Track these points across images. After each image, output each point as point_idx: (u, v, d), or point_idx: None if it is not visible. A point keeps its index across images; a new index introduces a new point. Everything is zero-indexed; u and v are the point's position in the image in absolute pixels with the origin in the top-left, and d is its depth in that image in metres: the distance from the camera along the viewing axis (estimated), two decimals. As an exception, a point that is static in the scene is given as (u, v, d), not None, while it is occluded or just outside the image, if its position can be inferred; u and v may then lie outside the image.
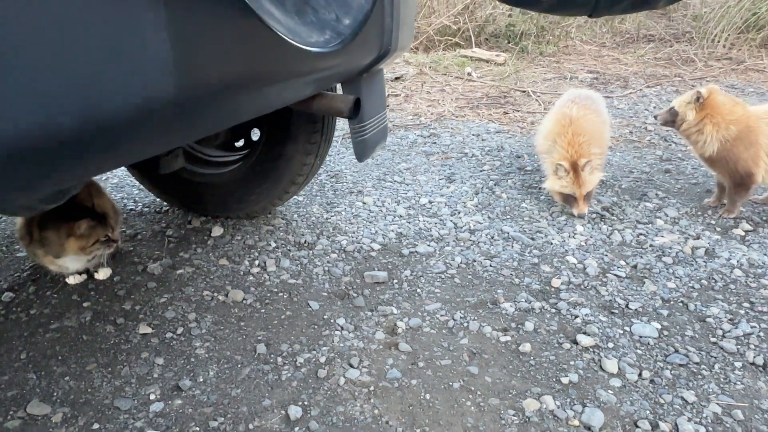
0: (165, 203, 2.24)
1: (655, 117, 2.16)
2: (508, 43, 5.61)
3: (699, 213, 2.12)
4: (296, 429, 1.14)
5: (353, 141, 1.54)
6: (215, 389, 1.25)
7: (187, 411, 1.19)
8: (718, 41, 5.18)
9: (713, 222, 2.05)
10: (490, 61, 5.13)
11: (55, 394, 1.24)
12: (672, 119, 2.08)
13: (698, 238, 1.92)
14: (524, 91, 4.12)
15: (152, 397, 1.23)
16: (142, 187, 2.42)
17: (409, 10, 1.49)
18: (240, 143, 2.14)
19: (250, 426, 1.15)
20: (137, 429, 1.14)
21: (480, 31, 5.70)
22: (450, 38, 5.59)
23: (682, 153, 2.79)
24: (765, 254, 1.80)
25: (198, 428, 1.15)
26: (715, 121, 1.98)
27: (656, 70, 4.78)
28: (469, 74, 4.66)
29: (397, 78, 4.59)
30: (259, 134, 1.90)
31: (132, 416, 1.18)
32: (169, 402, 1.22)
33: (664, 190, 2.34)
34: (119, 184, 2.50)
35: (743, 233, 1.96)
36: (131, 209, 2.22)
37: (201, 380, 1.28)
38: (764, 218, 2.07)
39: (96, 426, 1.15)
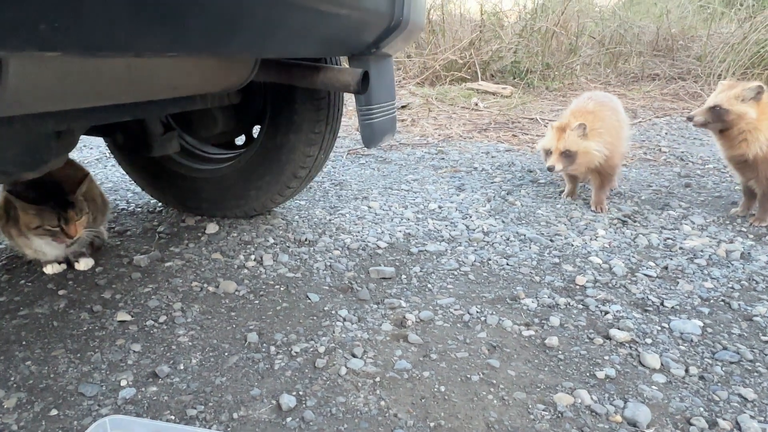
0: (159, 203, 2.12)
1: (690, 119, 1.93)
2: (514, 78, 5.63)
3: (727, 221, 1.98)
4: (288, 419, 0.97)
5: (360, 124, 1.43)
6: (197, 377, 1.09)
7: (162, 398, 1.02)
8: (725, 77, 5.19)
9: (744, 229, 1.91)
10: (497, 94, 5.13)
11: (12, 378, 1.07)
12: (717, 118, 1.88)
13: (731, 242, 1.78)
14: (532, 119, 4.07)
15: (123, 383, 1.06)
16: (136, 190, 2.31)
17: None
18: (241, 141, 2.05)
19: (235, 415, 0.98)
20: (101, 415, 0.97)
21: (486, 67, 5.74)
22: (456, 72, 5.63)
23: (701, 170, 2.68)
24: (806, 258, 1.65)
25: (173, 416, 0.97)
26: None
27: (663, 104, 4.75)
28: (476, 104, 4.64)
29: (403, 106, 4.56)
30: (259, 130, 1.80)
31: (97, 402, 1.01)
32: (143, 389, 1.05)
33: (686, 201, 2.21)
34: (114, 188, 2.39)
35: (779, 239, 1.81)
36: (123, 209, 2.09)
37: (181, 368, 1.12)
38: (798, 227, 1.92)
39: (54, 412, 0.98)
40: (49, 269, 1.52)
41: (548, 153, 2.08)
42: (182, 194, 1.94)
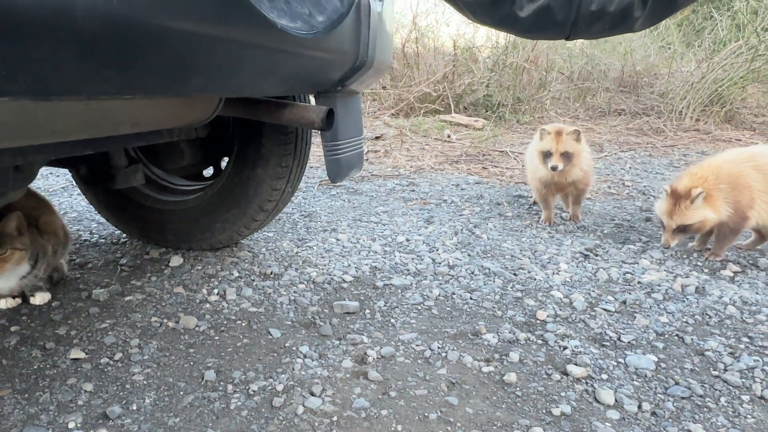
0: (124, 235, 2.09)
1: (666, 247, 2.02)
2: (486, 111, 5.78)
3: (684, 256, 2.05)
4: (241, 462, 0.95)
5: (326, 160, 1.46)
6: (149, 418, 1.06)
7: (112, 441, 1.00)
8: (685, 114, 5.42)
9: (700, 264, 1.98)
10: (469, 126, 5.25)
11: (-47, 421, 1.03)
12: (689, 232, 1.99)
13: (687, 276, 1.83)
14: (502, 151, 4.16)
15: (71, 425, 1.03)
16: (101, 220, 2.28)
17: (386, 32, 1.46)
18: (209, 172, 2.05)
19: (186, 458, 0.96)
20: (46, 461, 0.94)
21: (459, 100, 5.88)
22: (430, 104, 5.75)
23: (662, 204, 2.77)
24: (757, 293, 1.71)
25: (121, 460, 0.95)
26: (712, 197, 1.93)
27: (629, 138, 4.92)
28: (449, 136, 4.73)
29: (377, 137, 4.63)
30: (227, 162, 1.81)
31: (42, 446, 0.97)
32: (91, 431, 1.02)
33: (646, 235, 2.28)
34: (78, 218, 2.35)
35: (732, 274, 1.87)
36: (86, 240, 2.06)
37: (134, 408, 1.09)
38: (750, 261, 2.00)
39: (-5, 457, 0.95)
40: (2, 303, 1.47)
41: (548, 155, 2.24)
42: (147, 226, 1.92)
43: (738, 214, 1.93)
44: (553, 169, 2.23)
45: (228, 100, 1.38)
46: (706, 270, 1.91)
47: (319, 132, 1.46)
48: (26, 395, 1.12)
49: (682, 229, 1.95)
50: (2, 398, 1.10)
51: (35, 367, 1.22)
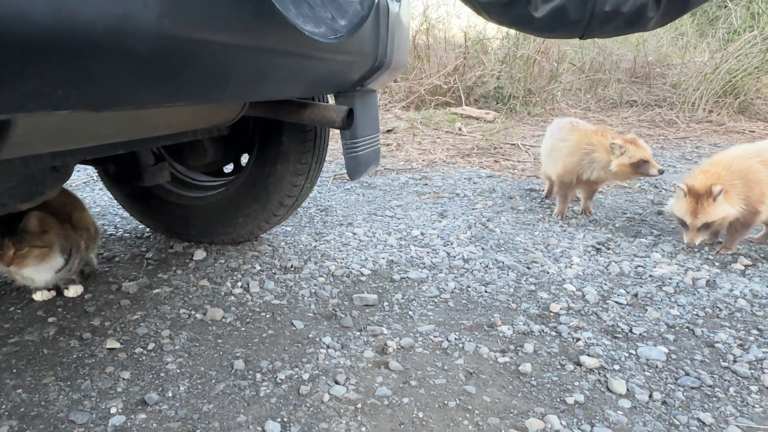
0: (147, 229, 2.16)
1: (691, 246, 2.05)
2: (497, 103, 5.79)
3: (696, 250, 2.08)
4: (273, 446, 1.02)
5: (346, 157, 1.50)
6: (185, 404, 1.13)
7: (151, 425, 1.06)
8: (698, 106, 5.39)
9: (711, 257, 2.01)
10: (480, 119, 5.26)
11: (3, 406, 1.10)
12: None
13: (698, 270, 1.87)
14: (514, 144, 4.19)
15: (113, 411, 1.10)
16: (124, 214, 2.35)
17: (403, 33, 1.50)
18: (229, 168, 2.10)
19: (222, 442, 1.02)
20: (92, 443, 1.01)
21: (470, 92, 5.89)
22: (441, 97, 5.77)
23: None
24: (767, 286, 1.75)
25: (162, 443, 1.02)
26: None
27: (640, 130, 4.91)
28: (460, 129, 4.76)
29: (389, 130, 4.66)
30: (247, 159, 1.86)
31: (88, 430, 1.04)
32: (132, 416, 1.09)
33: (658, 229, 2.31)
34: (101, 213, 2.42)
35: (743, 267, 1.91)
36: (111, 234, 2.13)
37: (170, 395, 1.16)
38: (761, 255, 2.03)
39: (45, 440, 1.02)
40: (38, 296, 1.55)
41: (643, 163, 2.19)
42: (171, 221, 1.98)
43: (749, 209, 1.96)
44: (661, 172, 2.20)
45: (253, 102, 1.43)
46: (717, 263, 1.95)
47: (339, 130, 1.50)
48: (68, 382, 1.19)
49: (706, 227, 1.98)
50: (47, 385, 1.17)
51: (74, 356, 1.29)
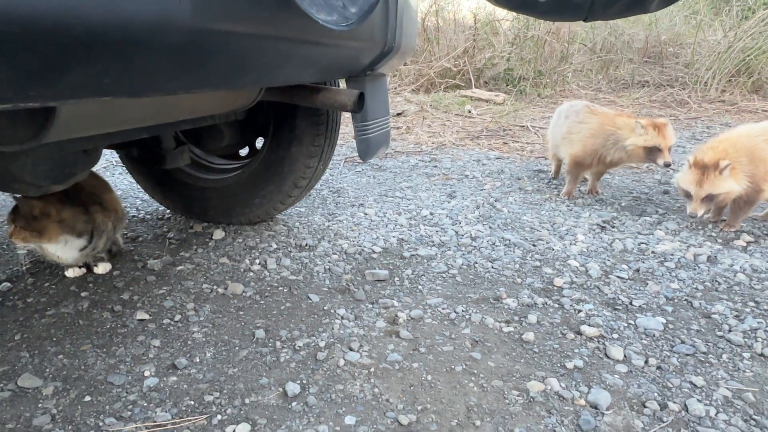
0: (168, 210, 2.25)
1: (694, 215, 2.05)
2: (507, 85, 5.79)
3: (699, 227, 2.13)
4: (294, 404, 1.11)
5: (357, 139, 1.57)
6: (211, 368, 1.22)
7: (182, 387, 1.16)
8: (711, 85, 5.35)
9: (714, 234, 2.06)
10: (490, 101, 5.28)
11: (47, 370, 1.21)
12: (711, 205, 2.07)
13: (700, 246, 1.92)
14: (523, 126, 4.22)
15: (147, 373, 1.20)
16: (145, 197, 2.44)
17: (412, 17, 1.55)
18: (244, 152, 2.18)
19: (246, 401, 1.12)
20: (130, 401, 1.11)
21: (479, 74, 5.90)
22: (450, 80, 5.78)
23: (680, 177, 2.83)
24: None
25: (193, 402, 1.11)
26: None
27: (651, 111, 4.91)
28: (469, 111, 4.79)
29: (398, 114, 4.71)
30: (262, 142, 1.94)
31: (125, 390, 1.14)
32: (164, 378, 1.18)
33: (663, 208, 2.36)
34: (123, 196, 2.52)
35: (745, 244, 1.96)
36: (133, 216, 2.23)
37: (197, 360, 1.25)
38: (765, 232, 2.07)
39: (88, 398, 1.12)
40: (70, 273, 1.65)
41: (656, 150, 2.22)
42: (190, 203, 2.08)
43: (753, 187, 2.00)
44: (667, 165, 2.23)
45: (269, 88, 1.50)
46: (719, 240, 2.00)
47: (350, 114, 1.57)
48: (104, 349, 1.29)
49: (709, 198, 2.01)
50: (85, 352, 1.28)
51: (108, 326, 1.39)
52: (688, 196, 2.05)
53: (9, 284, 1.60)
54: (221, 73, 0.88)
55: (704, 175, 1.98)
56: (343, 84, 1.66)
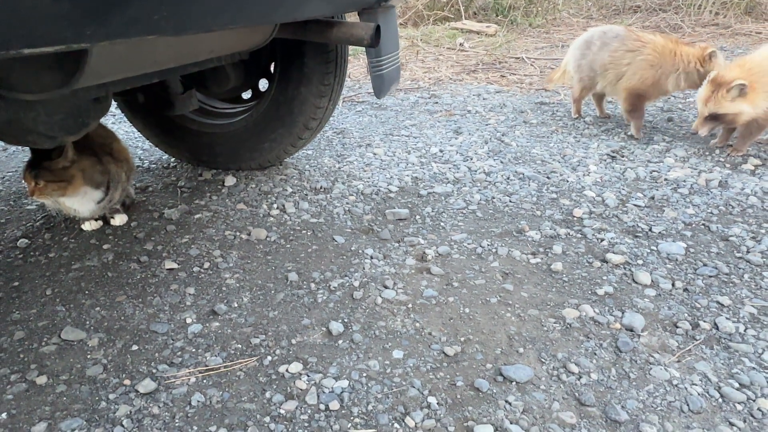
0: (173, 159, 2.20)
1: (694, 133, 2.07)
2: (497, 15, 5.61)
3: (707, 153, 2.15)
4: (340, 342, 1.13)
5: (372, 76, 1.52)
6: (252, 312, 1.24)
7: (227, 331, 1.17)
8: (704, 8, 5.25)
9: (722, 159, 2.08)
10: (481, 33, 5.13)
11: (87, 322, 1.21)
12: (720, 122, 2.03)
13: (711, 172, 1.95)
14: (518, 58, 4.13)
15: (188, 320, 1.21)
16: (146, 146, 2.37)
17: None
18: (247, 95, 2.11)
19: (293, 341, 1.14)
20: (177, 348, 1.12)
21: (469, 5, 5.69)
22: (439, 12, 5.58)
23: (682, 104, 2.82)
24: (776, 184, 1.83)
25: (240, 345, 1.13)
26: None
27: (645, 37, 4.81)
28: (461, 44, 4.65)
29: (390, 49, 4.55)
30: (267, 85, 1.87)
31: (170, 338, 1.15)
32: (207, 324, 1.20)
33: (669, 135, 2.37)
34: (122, 146, 2.45)
35: (753, 167, 1.99)
36: (138, 166, 2.17)
37: (236, 305, 1.26)
38: (770, 155, 2.10)
39: (135, 347, 1.13)
40: (87, 226, 1.62)
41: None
42: (197, 149, 2.02)
43: None
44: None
45: (283, 24, 1.42)
46: (728, 165, 2.02)
47: (365, 49, 1.51)
48: (140, 299, 1.29)
49: (713, 117, 1.98)
50: (121, 303, 1.28)
51: (138, 277, 1.38)
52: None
53: (27, 240, 1.57)
54: (259, 7, 0.83)
55: (713, 93, 1.95)
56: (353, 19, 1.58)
